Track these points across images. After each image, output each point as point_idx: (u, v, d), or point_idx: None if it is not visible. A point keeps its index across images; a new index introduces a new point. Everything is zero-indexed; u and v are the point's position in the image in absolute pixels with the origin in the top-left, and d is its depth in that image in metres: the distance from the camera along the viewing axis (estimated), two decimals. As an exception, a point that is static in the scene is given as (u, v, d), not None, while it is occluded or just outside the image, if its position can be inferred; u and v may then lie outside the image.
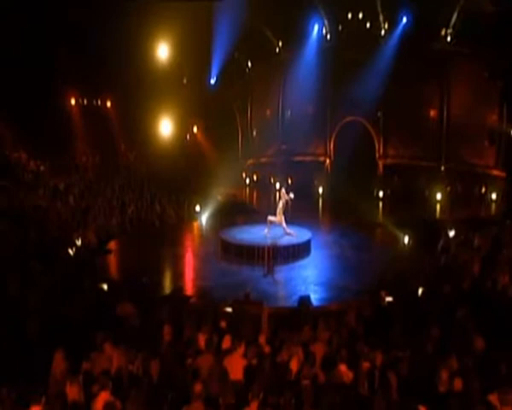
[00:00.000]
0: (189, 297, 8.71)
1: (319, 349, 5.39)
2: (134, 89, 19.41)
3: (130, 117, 20.43)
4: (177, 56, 19.83)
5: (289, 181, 23.43)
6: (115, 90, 20.52)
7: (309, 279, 9.70)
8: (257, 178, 26.12)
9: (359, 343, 5.35)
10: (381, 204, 18.66)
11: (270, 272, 10.17)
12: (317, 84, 20.80)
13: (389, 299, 7.50)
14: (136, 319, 6.68)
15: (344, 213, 15.70)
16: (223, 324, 6.62)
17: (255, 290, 8.88)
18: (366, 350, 5.03)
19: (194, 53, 20.01)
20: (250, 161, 25.89)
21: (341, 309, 7.28)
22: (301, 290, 8.66)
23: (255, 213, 16.68)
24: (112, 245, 12.54)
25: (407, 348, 5.19)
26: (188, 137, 24.53)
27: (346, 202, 15.62)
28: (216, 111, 23.13)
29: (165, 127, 20.21)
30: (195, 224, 15.78)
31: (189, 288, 9.52)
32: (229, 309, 7.56)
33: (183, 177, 19.63)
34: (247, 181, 25.64)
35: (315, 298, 8.31)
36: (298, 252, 11.18)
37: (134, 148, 21.94)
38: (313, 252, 11.65)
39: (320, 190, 21.45)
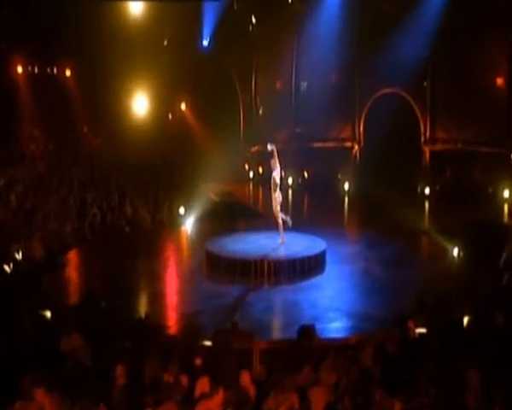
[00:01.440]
0: (159, 327, 8.75)
1: (320, 396, 5.36)
2: (101, 54, 19.56)
3: (95, 90, 20.57)
4: (155, 11, 19.95)
5: (305, 175, 23.60)
6: (76, 55, 20.60)
7: (319, 304, 9.68)
8: (263, 170, 26.22)
9: (373, 388, 5.31)
10: (426, 204, 18.56)
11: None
12: (342, 46, 20.83)
13: (421, 331, 7.45)
14: (86, 357, 6.73)
15: (376, 217, 15.81)
16: (198, 361, 6.64)
17: (247, 318, 8.91)
18: (379, 396, 4.99)
19: (179, 6, 20.15)
20: (254, 149, 25.94)
21: (357, 344, 7.25)
22: (307, 318, 8.65)
23: (260, 217, 16.90)
24: (65, 258, 12.68)
25: (437, 396, 5.14)
26: (170, 116, 24.73)
27: (380, 202, 15.73)
28: (209, 83, 23.29)
29: (141, 104, 20.48)
30: (178, 231, 15.99)
31: (161, 314, 9.58)
32: (208, 343, 7.58)
33: (163, 169, 19.87)
34: (251, 175, 25.92)
35: (323, 329, 8.27)
36: (308, 268, 11.28)
37: (100, 131, 22.12)
38: (329, 268, 11.73)
39: (345, 185, 21.48)
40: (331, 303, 9.74)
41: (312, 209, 20.61)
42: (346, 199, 20.98)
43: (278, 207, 11.87)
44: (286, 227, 12.14)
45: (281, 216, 11.93)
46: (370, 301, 9.77)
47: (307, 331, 7.42)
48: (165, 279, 11.67)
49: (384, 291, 10.17)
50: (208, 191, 20.10)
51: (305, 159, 23.08)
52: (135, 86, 20.60)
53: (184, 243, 15.12)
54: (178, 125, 24.22)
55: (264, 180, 25.05)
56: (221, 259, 11.56)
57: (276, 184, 11.87)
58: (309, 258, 11.41)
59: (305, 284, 10.88)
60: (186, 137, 23.62)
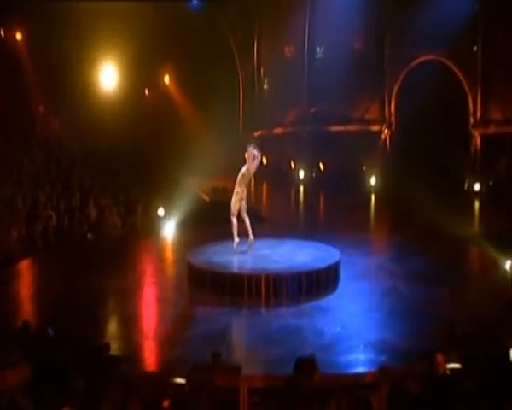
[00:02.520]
0: (122, 360, 8.83)
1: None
2: (59, 14, 19.70)
3: (52, 59, 20.72)
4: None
5: (321, 166, 23.73)
6: (29, 15, 20.81)
7: (327, 331, 9.72)
8: (267, 161, 26.44)
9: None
10: (476, 204, 18.66)
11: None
12: (369, 2, 20.92)
13: (453, 366, 7.46)
14: (20, 396, 6.81)
15: (408, 220, 15.99)
16: (166, 403, 6.70)
17: (236, 349, 9.08)
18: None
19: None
20: (257, 133, 26.14)
21: (371, 382, 7.28)
22: (311, 349, 8.70)
23: (261, 220, 17.15)
24: (9, 273, 12.80)
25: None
26: (147, 92, 24.86)
27: (414, 201, 15.88)
28: (200, 49, 23.36)
29: (111, 76, 20.52)
30: (156, 239, 16.20)
31: (127, 344, 9.67)
32: (181, 380, 7.64)
33: (138, 160, 20.09)
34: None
35: (329, 362, 8.32)
36: (316, 285, 11.42)
37: (59, 111, 22.23)
38: (343, 285, 11.86)
39: (372, 179, 21.54)
40: (343, 331, 9.77)
41: (329, 210, 21.12)
42: (373, 197, 21.12)
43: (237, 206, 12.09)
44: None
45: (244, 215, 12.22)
46: (392, 327, 9.76)
47: (306, 365, 7.39)
48: (136, 299, 11.74)
49: (410, 316, 10.17)
50: (196, 188, 20.32)
51: (320, 147, 23.27)
52: (102, 54, 20.71)
53: (163, 253, 15.35)
54: (159, 104, 24.40)
55: (269, 174, 25.71)
56: (206, 273, 11.67)
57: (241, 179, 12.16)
58: (318, 272, 11.50)
59: (312, 305, 10.95)
60: (169, 119, 23.82)
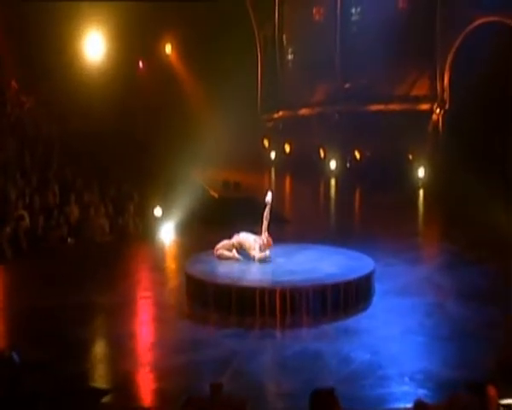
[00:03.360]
0: (102, 392, 8.95)
1: None
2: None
3: (26, 25, 20.96)
4: None
5: (356, 155, 23.70)
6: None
7: (355, 358, 9.71)
8: (291, 148, 26.41)
9: None
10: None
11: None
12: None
13: (508, 402, 7.47)
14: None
15: (462, 221, 16.10)
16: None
17: (242, 379, 9.00)
18: None
19: None
20: (278, 115, 26.17)
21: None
22: (334, 380, 8.75)
23: (283, 222, 17.31)
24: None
25: None
26: (141, 65, 24.95)
27: (471, 198, 16.04)
28: (208, 11, 23.31)
29: (97, 45, 20.60)
30: (151, 244, 16.37)
31: (110, 373, 9.77)
32: (172, 415, 7.73)
33: (130, 148, 20.23)
34: (272, 155, 26.49)
35: (355, 397, 8.34)
36: (343, 301, 11.46)
37: (35, 87, 22.42)
38: (377, 302, 11.93)
39: (420, 171, 21.46)
40: (373, 357, 9.73)
41: (366, 208, 21.01)
42: (420, 192, 21.05)
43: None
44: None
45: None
46: (435, 354, 9.75)
47: (324, 399, 7.43)
48: (124, 318, 11.83)
49: (458, 341, 10.16)
50: (202, 183, 20.37)
51: (356, 131, 23.23)
52: (87, 19, 20.84)
53: (159, 262, 15.42)
54: (157, 79, 24.45)
55: (294, 165, 25.62)
56: (208, 287, 11.75)
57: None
58: (346, 285, 11.52)
59: (337, 326, 10.97)
60: (169, 96, 23.89)
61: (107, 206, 17.08)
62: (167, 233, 16.58)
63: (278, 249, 12.99)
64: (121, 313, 11.99)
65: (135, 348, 10.74)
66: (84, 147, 19.40)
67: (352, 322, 11.12)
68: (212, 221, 17.23)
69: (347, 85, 23.93)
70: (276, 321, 11.11)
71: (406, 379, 9.02)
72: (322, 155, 24.50)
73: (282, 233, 15.71)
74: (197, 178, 19.37)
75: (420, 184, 21.12)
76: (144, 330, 11.88)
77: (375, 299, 11.95)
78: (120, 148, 19.78)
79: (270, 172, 24.27)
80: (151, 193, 17.64)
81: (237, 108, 22.62)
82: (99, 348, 10.87)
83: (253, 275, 12.03)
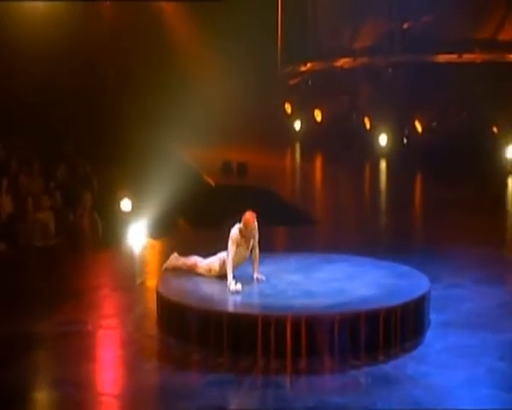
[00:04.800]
0: None
1: None
2: None
3: None
4: None
5: (417, 126, 23.58)
6: None
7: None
8: (323, 116, 26.26)
9: None
10: None
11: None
12: None
13: None
14: None
15: None
16: None
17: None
18: None
19: None
20: (306, 68, 26.12)
21: None
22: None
23: (309, 224, 17.58)
24: None
25: None
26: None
27: None
28: None
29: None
30: (116, 251, 16.60)
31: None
32: None
33: (90, 114, 20.53)
34: (296, 125, 26.89)
35: None
36: (382, 335, 11.43)
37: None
38: (432, 337, 11.89)
39: (509, 151, 21.36)
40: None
41: (426, 204, 20.99)
42: (510, 183, 20.90)
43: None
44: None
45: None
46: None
47: None
48: (72, 357, 11.84)
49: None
50: (193, 164, 20.34)
51: (417, 91, 23.16)
52: None
53: (126, 277, 15.49)
54: (132, 20, 24.54)
55: (327, 139, 25.42)
56: (190, 312, 11.76)
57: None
58: (387, 314, 11.48)
59: (373, 372, 10.83)
60: (150, 44, 23.94)
61: (53, 195, 17.13)
62: (139, 235, 16.61)
63: (293, 262, 13.18)
64: (68, 349, 11.97)
65: (85, 401, 10.71)
66: (18, 111, 19.40)
67: (393, 367, 11.00)
68: (205, 220, 17.22)
69: (406, 26, 23.81)
70: (284, 364, 11.06)
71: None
72: (367, 125, 24.41)
73: (304, 239, 15.66)
74: (185, 158, 19.31)
75: (509, 169, 20.88)
76: (100, 374, 11.67)
77: (429, 334, 11.95)
78: (74, 113, 19.79)
79: (292, 150, 24.09)
80: (117, 177, 17.60)
81: (248, 60, 22.66)
82: (35, 401, 10.76)
83: (254, 297, 12.08)
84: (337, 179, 23.35)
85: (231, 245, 12.45)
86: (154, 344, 12.09)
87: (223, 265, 12.67)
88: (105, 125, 19.47)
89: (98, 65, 22.38)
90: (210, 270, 12.92)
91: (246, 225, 12.51)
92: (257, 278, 12.65)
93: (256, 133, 21.89)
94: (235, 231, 12.54)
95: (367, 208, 20.93)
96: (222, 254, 12.79)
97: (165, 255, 15.59)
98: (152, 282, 14.40)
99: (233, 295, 12.09)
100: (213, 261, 12.93)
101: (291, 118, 24.91)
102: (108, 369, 11.85)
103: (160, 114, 20.00)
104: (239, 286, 12.17)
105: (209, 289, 12.36)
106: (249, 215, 12.59)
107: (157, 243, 16.63)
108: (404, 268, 13.07)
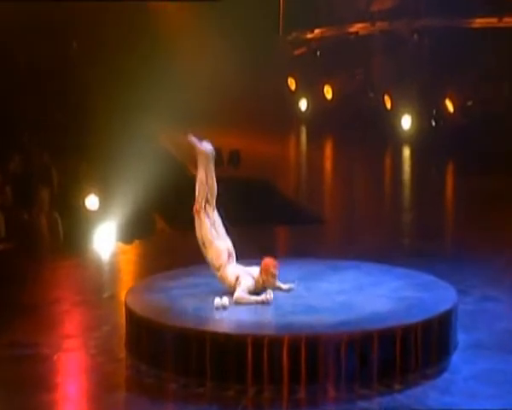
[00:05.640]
0: None
1: None
2: None
3: None
4: None
5: (448, 105, 23.57)
6: None
7: None
8: (334, 93, 26.27)
9: None
10: None
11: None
12: None
13: None
14: None
15: None
16: None
17: None
18: None
19: None
20: (314, 35, 26.16)
21: None
22: None
23: (316, 223, 17.80)
24: None
25: None
26: None
27: None
28: None
29: None
30: (80, 257, 16.58)
31: None
32: None
33: (45, 90, 20.63)
34: (302, 104, 27.12)
35: None
36: (399, 360, 11.40)
37: None
38: (460, 362, 11.86)
39: None
40: None
41: (458, 199, 21.20)
42: None
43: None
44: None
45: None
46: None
47: None
48: (23, 387, 11.86)
49: None
50: (173, 152, 20.37)
51: (448, 62, 23.24)
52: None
53: (90, 289, 15.56)
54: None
55: (339, 119, 25.43)
56: (165, 332, 11.75)
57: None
58: (404, 334, 11.44)
59: (387, 404, 10.81)
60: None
61: (3, 191, 17.15)
62: (107, 239, 16.67)
63: (293, 270, 13.22)
64: (19, 376, 12.02)
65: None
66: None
67: (411, 398, 10.95)
68: (189, 220, 17.25)
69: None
70: (280, 394, 11.06)
71: None
72: (387, 105, 24.45)
73: (307, 242, 15.73)
74: (165, 146, 19.37)
75: None
76: (58, 408, 11.63)
77: (456, 358, 11.95)
78: (31, 95, 19.90)
79: (296, 135, 24.13)
80: (81, 170, 17.65)
81: (240, 23, 22.75)
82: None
83: (244, 313, 12.03)
84: (350, 170, 23.39)
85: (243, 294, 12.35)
86: (122, 371, 12.11)
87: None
88: (68, 109, 19.49)
89: (60, 39, 22.42)
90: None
91: (265, 273, 12.40)
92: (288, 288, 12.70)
93: (252, 115, 21.92)
94: (247, 282, 12.43)
95: (385, 205, 20.99)
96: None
97: (140, 263, 15.73)
98: (123, 296, 14.20)
99: (264, 304, 12.18)
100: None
101: (295, 96, 24.99)
102: (68, 401, 11.78)
103: (135, 95, 20.01)
104: (270, 295, 12.23)
105: (190, 303, 12.33)
106: (269, 262, 12.44)
107: (130, 249, 16.64)
108: (427, 278, 13.10)
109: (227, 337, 11.41)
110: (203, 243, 12.65)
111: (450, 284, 12.74)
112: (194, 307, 12.19)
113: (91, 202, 16.95)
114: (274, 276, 12.38)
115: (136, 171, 17.12)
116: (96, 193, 17.03)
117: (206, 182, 12.69)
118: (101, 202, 16.98)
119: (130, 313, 12.40)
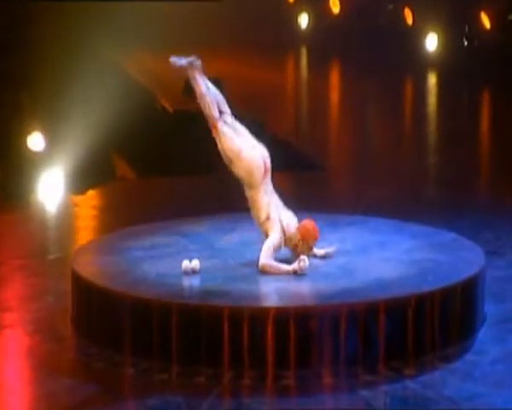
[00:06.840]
0: None
1: None
2: None
3: None
4: None
5: (483, 21, 23.66)
6: None
7: None
8: (342, 6, 26.36)
9: None
10: None
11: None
12: None
13: None
14: None
15: None
16: None
17: None
18: None
19: None
20: None
21: None
22: None
23: (314, 170, 18.10)
24: None
25: None
26: None
27: None
28: None
29: None
30: (22, 209, 16.59)
31: None
32: None
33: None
34: (303, 20, 26.59)
35: None
36: (412, 336, 11.43)
37: None
38: (488, 338, 11.92)
39: None
40: None
41: (499, 136, 21.44)
42: None
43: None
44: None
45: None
46: None
47: None
48: None
49: None
50: (141, 80, 20.41)
51: None
52: None
53: (34, 249, 15.70)
54: None
55: (348, 38, 25.48)
56: (123, 305, 11.77)
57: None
58: (419, 304, 11.44)
59: (396, 389, 10.82)
60: None
61: None
62: (55, 188, 16.64)
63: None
64: None
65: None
66: None
67: (425, 385, 10.91)
68: (159, 163, 17.32)
69: None
70: (263, 379, 11.10)
71: None
72: (408, 20, 24.49)
73: (303, 192, 15.81)
74: (129, 72, 19.39)
75: None
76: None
77: (482, 336, 11.97)
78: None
79: (295, 58, 24.18)
80: (22, 102, 17.67)
81: None
82: None
83: (220, 280, 12.05)
84: (362, 102, 23.39)
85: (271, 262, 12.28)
86: (67, 352, 12.11)
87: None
88: (3, 26, 19.51)
89: None
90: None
91: (304, 238, 12.39)
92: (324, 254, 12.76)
93: (238, 33, 21.86)
94: (274, 240, 12.34)
95: (404, 146, 20.98)
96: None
97: (95, 218, 15.73)
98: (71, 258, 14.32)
99: (297, 274, 12.09)
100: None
101: (294, 8, 24.86)
102: (2, 387, 11.80)
103: (89, 5, 20.01)
104: (305, 262, 12.08)
105: (152, 268, 12.35)
106: (312, 228, 12.41)
107: (82, 200, 16.63)
108: (449, 235, 13.15)
109: (197, 310, 11.39)
110: (231, 161, 12.46)
111: (477, 245, 12.72)
112: (158, 272, 12.19)
113: (35, 141, 16.93)
114: (313, 246, 12.47)
115: (91, 103, 17.10)
116: (40, 131, 16.99)
117: (207, 92, 12.59)
118: (47, 142, 16.92)
119: (77, 280, 12.37)
